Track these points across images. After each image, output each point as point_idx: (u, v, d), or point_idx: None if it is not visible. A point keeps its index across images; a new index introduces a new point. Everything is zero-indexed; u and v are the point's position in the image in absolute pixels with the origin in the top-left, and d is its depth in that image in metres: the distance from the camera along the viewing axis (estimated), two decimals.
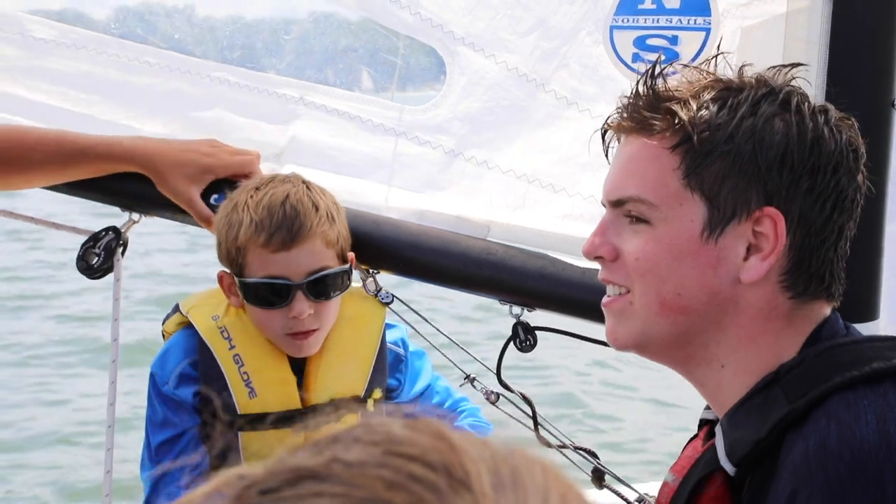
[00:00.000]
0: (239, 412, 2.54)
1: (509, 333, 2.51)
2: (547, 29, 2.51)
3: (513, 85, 2.54)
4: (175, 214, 2.65)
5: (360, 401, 2.60)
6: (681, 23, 2.36)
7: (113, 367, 2.73)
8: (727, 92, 1.64)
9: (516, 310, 2.50)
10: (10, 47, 2.79)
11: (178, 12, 2.83)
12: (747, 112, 1.61)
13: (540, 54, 2.51)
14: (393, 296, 2.63)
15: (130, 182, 2.58)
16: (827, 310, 1.67)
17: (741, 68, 1.68)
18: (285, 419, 2.52)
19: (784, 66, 1.71)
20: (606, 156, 1.77)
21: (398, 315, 2.65)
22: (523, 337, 2.49)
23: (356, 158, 2.68)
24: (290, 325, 2.49)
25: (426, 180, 2.63)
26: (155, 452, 2.59)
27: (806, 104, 1.64)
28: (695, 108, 1.61)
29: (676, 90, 1.65)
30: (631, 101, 1.67)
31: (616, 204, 1.69)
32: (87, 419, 7.72)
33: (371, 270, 2.62)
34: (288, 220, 2.43)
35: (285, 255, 2.45)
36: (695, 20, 2.35)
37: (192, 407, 2.57)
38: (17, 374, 9.01)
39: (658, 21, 2.37)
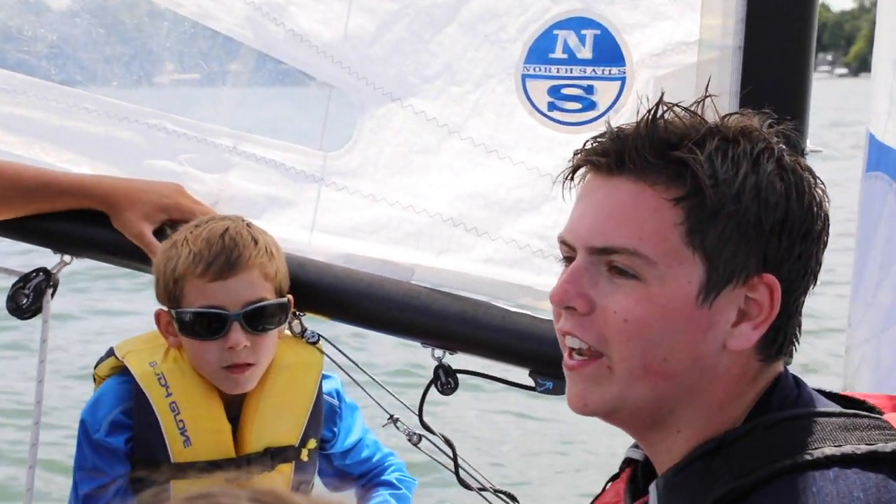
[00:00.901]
0: (172, 460, 2.54)
1: (431, 373, 2.54)
2: (453, 73, 2.56)
3: (423, 130, 2.59)
4: (106, 256, 2.67)
5: (295, 450, 2.62)
6: (595, 73, 2.43)
7: (37, 408, 2.73)
8: (726, 143, 1.51)
9: (438, 352, 2.54)
10: None
11: (115, 59, 2.87)
12: (750, 168, 1.50)
13: (447, 100, 2.57)
14: (319, 335, 2.66)
15: (62, 223, 2.60)
16: (780, 365, 1.58)
17: (726, 117, 1.55)
18: (218, 468, 2.53)
19: (751, 111, 1.58)
20: (565, 191, 1.61)
21: (324, 353, 2.67)
22: (444, 380, 2.53)
23: (280, 204, 2.71)
24: (226, 356, 2.50)
25: (352, 224, 2.67)
26: (83, 501, 2.58)
27: (795, 160, 1.54)
28: (703, 159, 1.49)
29: (678, 134, 1.51)
30: (630, 142, 1.51)
31: (599, 252, 1.53)
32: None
33: (297, 312, 2.64)
34: (227, 249, 2.46)
35: (223, 284, 2.47)
36: (609, 70, 2.42)
37: (124, 454, 2.57)
38: None
39: (571, 71, 2.43)
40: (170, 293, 2.51)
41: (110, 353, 2.66)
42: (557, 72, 2.46)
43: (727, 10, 2.34)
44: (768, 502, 1.42)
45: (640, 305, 1.49)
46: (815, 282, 1.56)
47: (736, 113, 1.56)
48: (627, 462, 1.70)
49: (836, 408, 1.56)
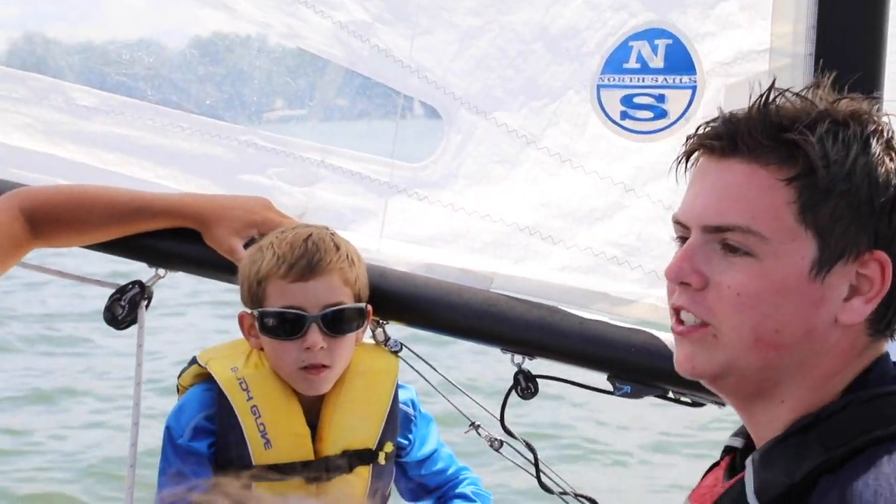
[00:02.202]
0: (254, 463, 2.63)
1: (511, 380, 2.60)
2: (536, 88, 2.62)
3: (503, 141, 2.66)
4: (198, 269, 2.79)
5: (372, 453, 2.69)
6: (666, 82, 2.46)
7: (136, 410, 2.85)
8: (836, 125, 1.57)
9: (518, 358, 2.59)
10: (55, 113, 2.97)
11: (209, 79, 3.00)
12: (860, 150, 1.56)
13: (528, 112, 2.63)
14: (402, 344, 2.73)
15: (158, 240, 2.72)
16: (884, 346, 1.63)
17: (836, 101, 1.60)
18: (298, 470, 2.61)
19: (860, 96, 1.64)
20: (681, 174, 1.67)
21: (406, 362, 2.75)
22: (524, 385, 2.58)
23: (364, 214, 2.80)
24: (303, 357, 2.58)
25: (432, 234, 2.75)
26: None
27: None
28: (814, 141, 1.55)
29: (789, 118, 1.57)
30: (743, 125, 1.58)
31: (713, 230, 1.59)
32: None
33: (380, 321, 2.72)
34: (309, 253, 2.55)
35: (303, 285, 2.56)
36: (680, 79, 2.45)
37: (207, 459, 2.67)
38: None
39: (644, 80, 2.47)
40: (253, 294, 2.61)
41: (193, 361, 2.77)
42: (630, 81, 2.50)
43: (798, 18, 2.35)
44: (857, 472, 1.46)
45: (753, 280, 1.55)
46: None
47: (845, 97, 1.61)
48: (727, 450, 1.74)
49: None
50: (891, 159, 1.56)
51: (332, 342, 2.59)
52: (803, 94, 1.61)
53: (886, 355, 1.62)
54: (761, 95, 1.58)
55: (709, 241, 1.59)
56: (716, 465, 1.75)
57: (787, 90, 1.60)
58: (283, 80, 2.96)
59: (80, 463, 8.17)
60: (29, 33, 3.34)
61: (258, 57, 3.00)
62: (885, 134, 1.58)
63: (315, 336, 2.57)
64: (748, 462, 1.59)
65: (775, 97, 1.58)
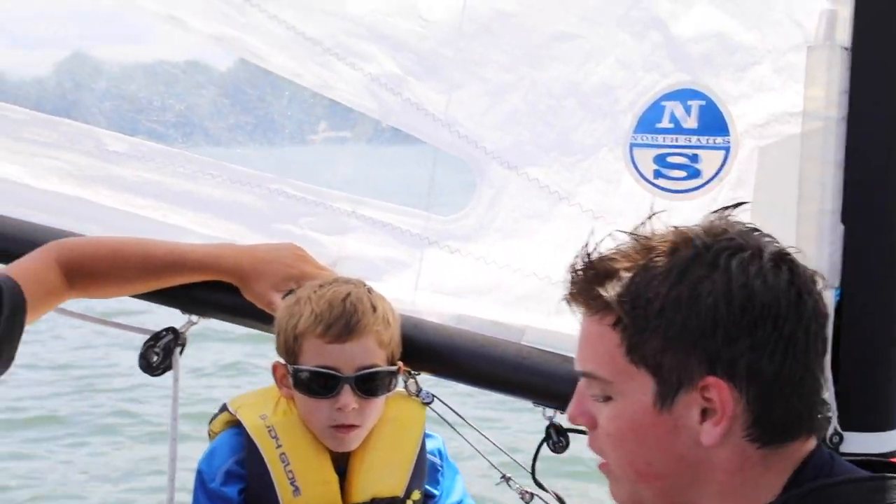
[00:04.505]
0: None
1: (542, 430, 2.63)
2: (569, 144, 2.67)
3: (535, 196, 2.70)
4: (231, 318, 2.83)
5: (399, 501, 2.72)
6: (700, 142, 2.50)
7: (172, 449, 2.89)
8: (659, 259, 1.65)
9: (549, 412, 2.63)
10: (85, 158, 3.00)
11: (238, 127, 3.05)
12: (675, 280, 1.62)
13: (560, 167, 2.68)
14: (433, 396, 2.77)
15: (191, 288, 2.75)
16: (809, 445, 1.68)
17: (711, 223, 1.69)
18: None
19: (726, 207, 1.74)
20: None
21: (437, 413, 2.78)
22: (556, 438, 2.62)
23: (396, 266, 2.84)
24: (334, 416, 2.62)
25: (464, 286, 2.78)
26: None
27: (736, 259, 1.63)
28: (626, 283, 1.64)
29: (612, 262, 1.68)
30: (572, 276, 1.72)
31: (583, 375, 1.73)
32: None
33: (412, 372, 2.76)
34: (347, 314, 2.59)
35: (339, 347, 2.60)
36: (714, 140, 2.50)
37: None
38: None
39: (677, 140, 2.52)
40: (289, 348, 2.65)
41: (223, 408, 2.80)
42: (664, 140, 2.55)
43: (830, 82, 2.39)
44: None
45: (613, 421, 1.68)
46: (815, 356, 1.64)
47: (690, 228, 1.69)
48: None
49: (868, 473, 1.67)
50: (710, 281, 1.61)
51: (363, 402, 2.63)
52: (637, 230, 1.71)
53: (817, 451, 1.67)
54: (584, 246, 1.70)
55: (588, 384, 1.71)
56: None
57: (622, 231, 1.72)
58: (313, 128, 3.00)
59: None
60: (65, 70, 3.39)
61: (289, 105, 3.04)
62: (707, 258, 1.63)
63: (347, 397, 2.61)
64: None
65: (597, 244, 1.70)
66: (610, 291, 1.65)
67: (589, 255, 1.70)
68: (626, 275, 1.65)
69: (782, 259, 1.66)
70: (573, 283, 1.71)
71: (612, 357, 1.66)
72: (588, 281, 1.69)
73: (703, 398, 1.62)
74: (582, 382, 1.74)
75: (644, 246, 1.68)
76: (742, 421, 1.63)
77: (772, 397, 1.63)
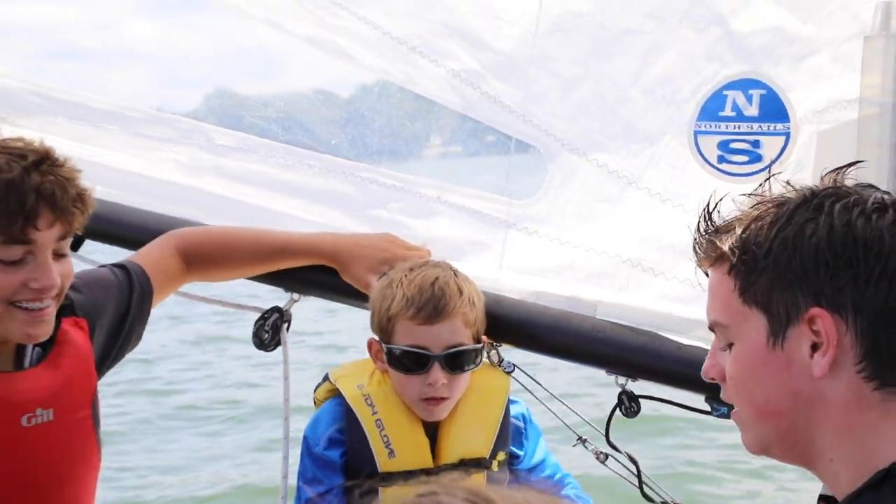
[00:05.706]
0: (379, 470, 2.90)
1: (614, 400, 2.84)
2: (634, 132, 2.86)
3: (605, 181, 2.91)
4: (329, 294, 3.09)
5: (486, 461, 2.95)
6: (761, 129, 2.68)
7: (286, 424, 3.17)
8: (772, 209, 1.74)
9: (621, 380, 2.83)
10: (199, 151, 3.30)
11: (333, 122, 3.30)
12: (783, 225, 1.71)
13: (627, 154, 2.88)
14: (514, 365, 2.99)
15: (295, 271, 3.02)
16: None
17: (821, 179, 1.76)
18: (419, 476, 2.88)
19: (842, 167, 1.78)
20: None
21: (518, 381, 3.00)
22: (628, 404, 2.82)
23: (479, 247, 3.06)
24: (425, 390, 2.86)
25: (541, 265, 3.00)
26: None
27: (841, 203, 1.70)
28: (739, 233, 1.75)
29: (732, 220, 1.78)
30: (695, 234, 1.83)
31: (712, 329, 1.82)
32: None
33: (494, 343, 2.98)
34: (435, 298, 2.82)
35: (428, 328, 2.83)
36: (774, 126, 2.68)
37: (339, 466, 2.94)
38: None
39: (739, 127, 2.70)
40: (383, 328, 2.89)
41: (326, 378, 3.05)
42: (726, 128, 2.72)
43: (886, 70, 2.55)
44: None
45: (734, 365, 1.76)
46: None
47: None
48: (822, 498, 1.84)
49: None
50: (814, 222, 1.68)
51: (451, 378, 2.86)
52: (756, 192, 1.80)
53: None
54: (706, 207, 1.81)
55: (718, 338, 1.81)
56: None
57: (744, 194, 1.81)
58: (402, 124, 3.24)
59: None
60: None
61: (378, 101, 3.28)
62: (812, 206, 1.70)
63: (437, 373, 2.84)
64: None
65: (716, 204, 1.80)
66: (725, 243, 1.75)
67: (709, 213, 1.81)
68: (745, 222, 1.75)
69: (888, 203, 1.71)
70: (696, 240, 1.82)
71: (728, 302, 1.75)
72: (709, 236, 1.79)
73: (811, 330, 1.67)
74: (714, 340, 1.82)
75: (758, 202, 1.78)
76: (853, 354, 1.66)
77: (880, 330, 1.65)
